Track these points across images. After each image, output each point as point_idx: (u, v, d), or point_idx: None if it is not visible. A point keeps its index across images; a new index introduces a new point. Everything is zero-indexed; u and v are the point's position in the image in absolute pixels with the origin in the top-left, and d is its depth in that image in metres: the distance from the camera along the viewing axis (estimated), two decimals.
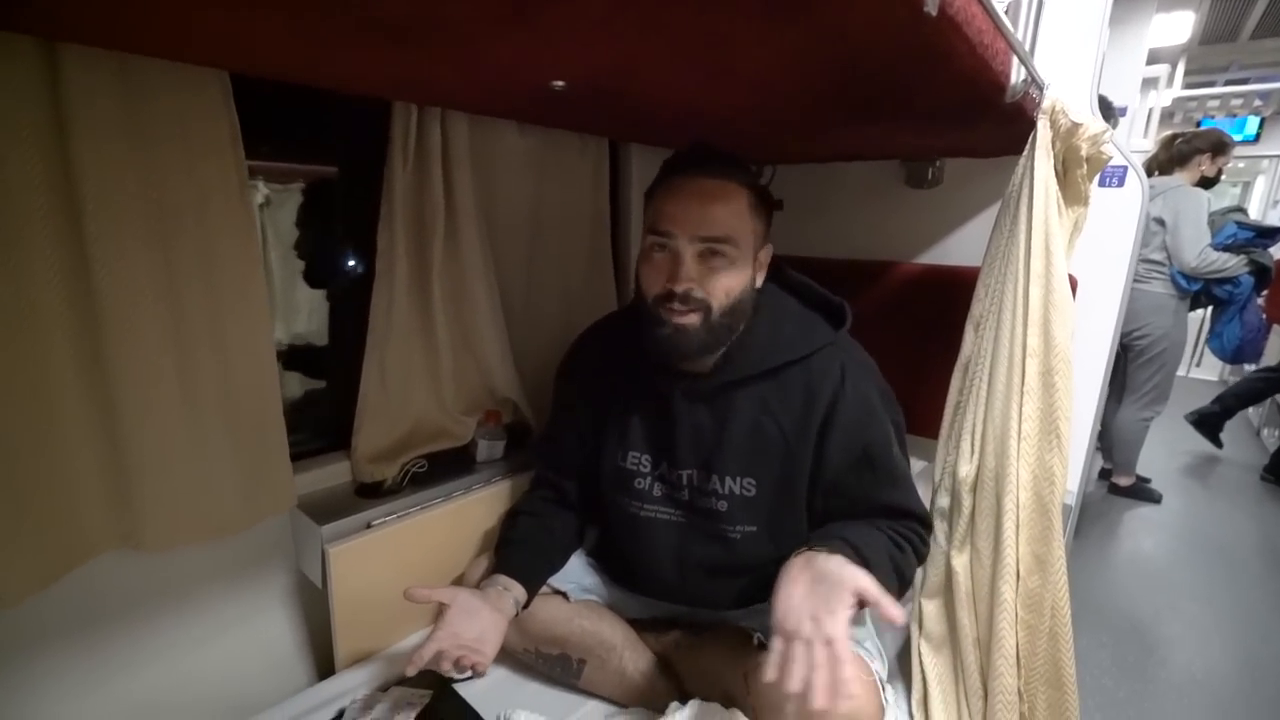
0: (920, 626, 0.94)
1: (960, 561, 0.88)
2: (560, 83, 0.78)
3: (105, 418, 0.76)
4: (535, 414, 1.28)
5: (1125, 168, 1.26)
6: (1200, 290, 2.41)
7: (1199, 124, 4.11)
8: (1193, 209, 2.29)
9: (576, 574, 1.02)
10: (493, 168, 1.14)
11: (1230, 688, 1.61)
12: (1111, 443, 2.64)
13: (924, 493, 1.32)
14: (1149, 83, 3.31)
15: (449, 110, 1.03)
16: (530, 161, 1.22)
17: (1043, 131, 0.82)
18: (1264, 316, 2.62)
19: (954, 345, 0.94)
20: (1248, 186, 5.91)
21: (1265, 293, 2.61)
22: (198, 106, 0.77)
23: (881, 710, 0.75)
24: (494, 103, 0.99)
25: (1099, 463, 2.83)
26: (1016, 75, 0.77)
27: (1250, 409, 3.42)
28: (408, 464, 1.10)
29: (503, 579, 0.88)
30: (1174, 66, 3.71)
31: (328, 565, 0.93)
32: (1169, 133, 2.52)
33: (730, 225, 0.79)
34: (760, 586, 0.80)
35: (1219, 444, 3.24)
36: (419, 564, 1.06)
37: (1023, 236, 0.83)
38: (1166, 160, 2.41)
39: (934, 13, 0.50)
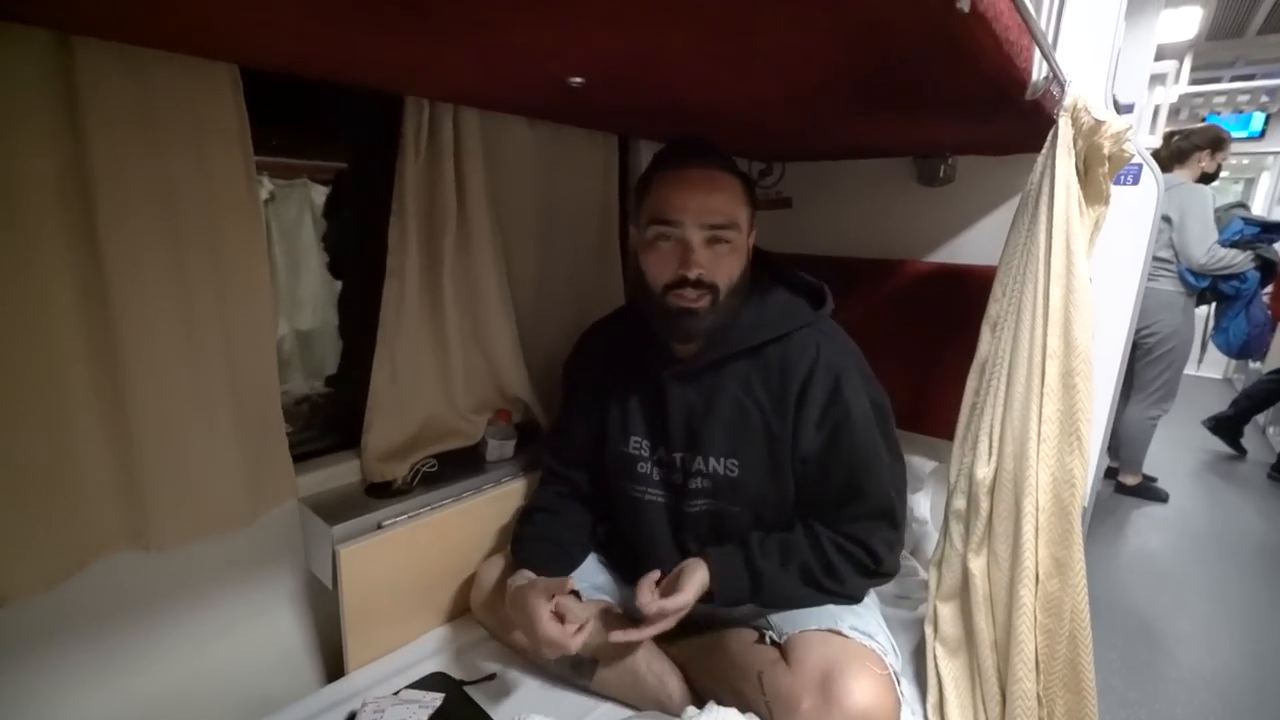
0: (936, 629, 0.93)
1: (978, 564, 0.88)
2: (579, 79, 0.76)
3: (115, 413, 0.75)
4: (545, 413, 1.27)
5: (1140, 165, 1.24)
6: (1207, 287, 2.41)
7: (1204, 120, 4.09)
8: (1199, 205, 2.29)
9: (589, 573, 1.02)
10: (504, 163, 1.13)
11: (1240, 686, 1.60)
12: (1119, 441, 2.64)
13: (936, 493, 1.32)
14: (1156, 79, 3.29)
15: (461, 105, 1.01)
16: (541, 157, 1.20)
17: (1064, 129, 0.80)
18: (1269, 313, 2.62)
19: (967, 344, 0.94)
20: (1252, 183, 5.88)
21: (1270, 289, 2.61)
22: (208, 100, 0.77)
23: (898, 703, 0.75)
24: (508, 97, 0.98)
25: (1105, 461, 2.83)
26: (1039, 72, 0.76)
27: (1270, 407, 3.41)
28: (418, 463, 1.09)
29: (527, 574, 0.90)
30: (1181, 62, 3.69)
31: (338, 566, 0.93)
32: (1167, 130, 2.51)
33: (731, 211, 0.84)
34: None
35: (1241, 450, 3.24)
36: (430, 564, 1.05)
37: (1043, 235, 0.82)
38: (1167, 157, 2.41)
39: (965, 9, 0.49)
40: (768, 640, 0.85)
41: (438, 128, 0.99)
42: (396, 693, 0.89)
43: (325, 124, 1.03)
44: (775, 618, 0.87)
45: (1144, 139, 3.09)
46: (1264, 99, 4.29)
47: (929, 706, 0.90)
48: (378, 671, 0.96)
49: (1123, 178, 1.25)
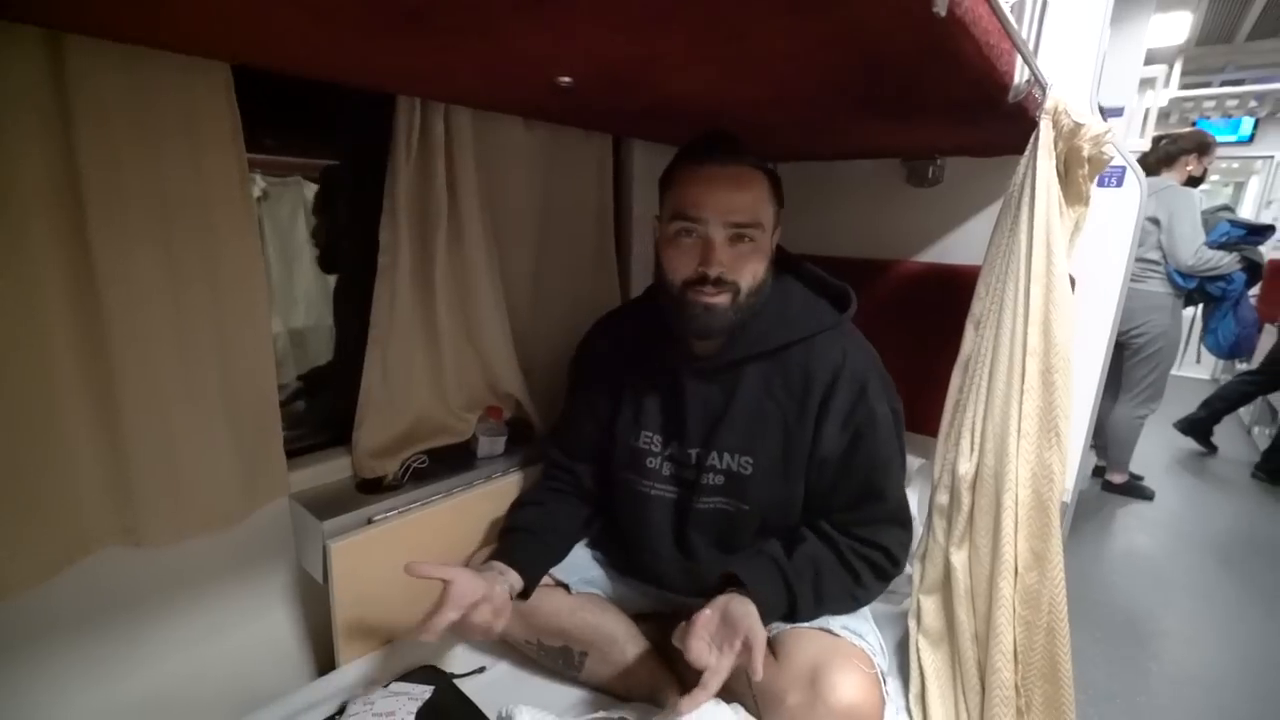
0: (919, 622, 0.95)
1: (959, 558, 0.89)
2: (567, 79, 0.77)
3: (107, 410, 0.75)
4: (538, 410, 1.28)
5: (1123, 168, 1.26)
6: (1195, 288, 2.45)
7: (1194, 124, 4.14)
8: (1187, 208, 2.33)
9: (579, 566, 1.02)
10: (496, 162, 1.14)
11: (1223, 682, 1.63)
12: (1106, 440, 2.67)
13: (923, 490, 1.34)
14: (1146, 83, 3.33)
15: (453, 104, 1.02)
16: (534, 156, 1.21)
17: (1045, 131, 0.82)
18: (1257, 314, 2.67)
19: (954, 343, 0.95)
20: (1241, 187, 5.95)
21: (1258, 290, 2.65)
22: (200, 99, 0.77)
23: (882, 703, 0.76)
24: (501, 98, 0.99)
25: (1092, 460, 2.86)
26: (1020, 75, 0.78)
27: (1242, 409, 3.46)
28: (409, 459, 1.10)
29: (499, 565, 0.89)
30: (1171, 67, 3.73)
31: (329, 561, 0.93)
32: (1155, 134, 2.55)
33: (756, 210, 0.83)
34: None
35: (1212, 448, 3.29)
36: (420, 559, 1.05)
37: (1024, 235, 0.84)
38: (1154, 161, 2.45)
39: (942, 13, 0.50)
40: None
41: (429, 126, 1.00)
42: (387, 685, 0.90)
43: (317, 122, 1.04)
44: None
45: (1133, 142, 3.12)
46: (1253, 104, 4.35)
47: (911, 697, 0.91)
48: (368, 665, 0.97)
49: (1106, 180, 1.27)
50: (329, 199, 1.12)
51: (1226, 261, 2.35)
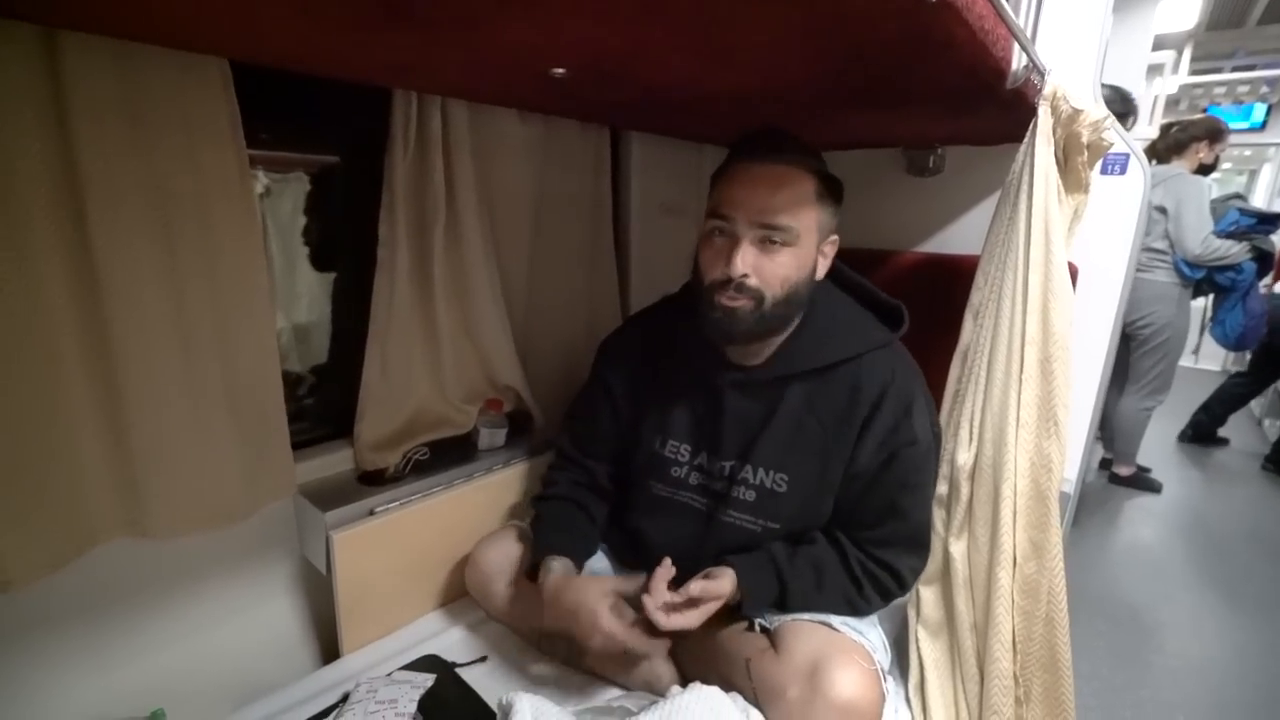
0: (918, 612, 0.95)
1: (958, 548, 0.89)
2: (561, 70, 0.77)
3: (110, 405, 0.76)
4: (537, 402, 1.28)
5: (1127, 155, 1.25)
6: (1202, 279, 2.41)
7: (1205, 111, 4.07)
8: (1194, 196, 2.29)
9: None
10: (494, 156, 1.14)
11: (1225, 675, 1.62)
12: (1113, 432, 2.65)
13: None
14: (1154, 69, 3.28)
15: (449, 98, 1.02)
16: (531, 149, 1.21)
17: (1043, 118, 0.81)
18: (1267, 305, 2.62)
19: (953, 333, 0.95)
20: (1254, 174, 5.86)
21: (1269, 280, 2.61)
22: (198, 94, 0.77)
23: (881, 699, 0.76)
24: (495, 90, 0.99)
25: (1099, 452, 2.84)
26: (1018, 62, 0.77)
27: (1253, 401, 3.42)
28: (410, 452, 1.11)
29: (565, 561, 0.90)
30: (1180, 53, 3.67)
31: (332, 551, 0.94)
32: (1165, 121, 2.51)
33: (791, 213, 0.78)
34: None
35: (1223, 440, 3.26)
36: (422, 550, 1.07)
37: (1022, 224, 0.83)
38: (1164, 149, 2.41)
39: None
40: (757, 627, 0.85)
41: (426, 120, 1.00)
42: (389, 674, 0.91)
43: (315, 117, 1.04)
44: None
45: (1143, 129, 3.08)
46: (1264, 90, 4.27)
47: (910, 687, 0.92)
48: (371, 654, 0.98)
49: (1110, 167, 1.26)
50: (320, 200, 1.12)
51: (1235, 251, 2.31)
